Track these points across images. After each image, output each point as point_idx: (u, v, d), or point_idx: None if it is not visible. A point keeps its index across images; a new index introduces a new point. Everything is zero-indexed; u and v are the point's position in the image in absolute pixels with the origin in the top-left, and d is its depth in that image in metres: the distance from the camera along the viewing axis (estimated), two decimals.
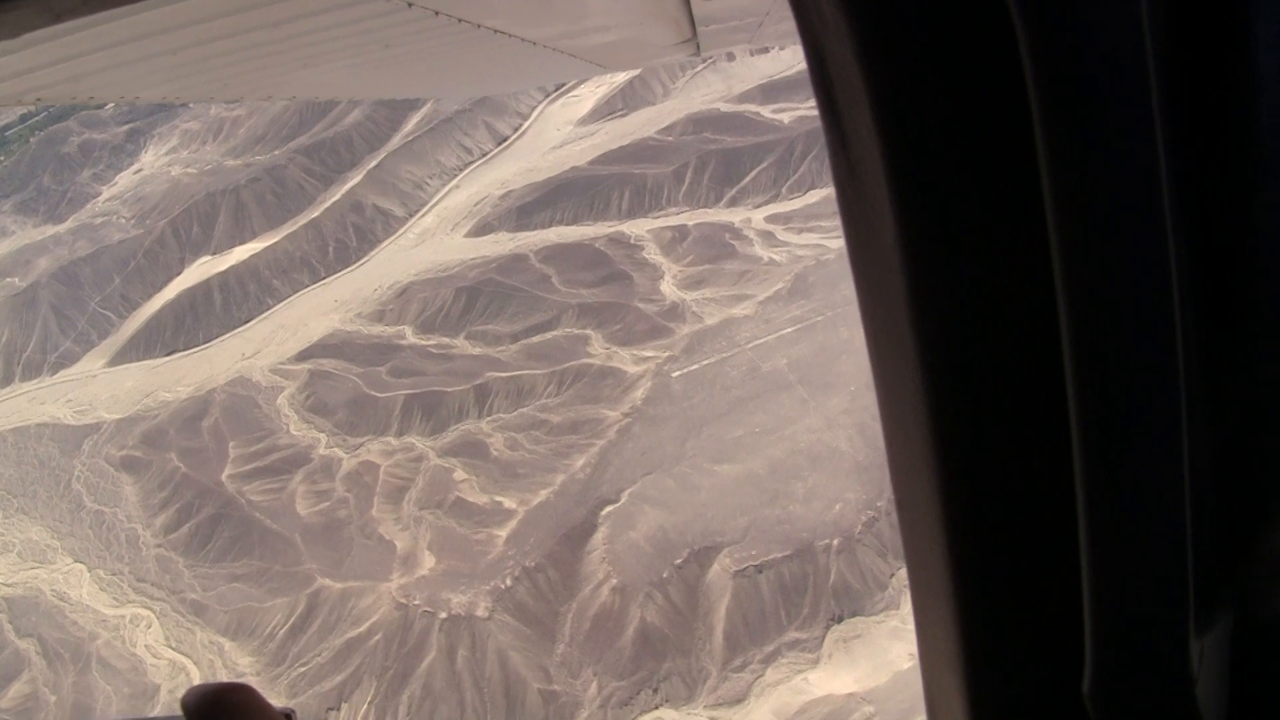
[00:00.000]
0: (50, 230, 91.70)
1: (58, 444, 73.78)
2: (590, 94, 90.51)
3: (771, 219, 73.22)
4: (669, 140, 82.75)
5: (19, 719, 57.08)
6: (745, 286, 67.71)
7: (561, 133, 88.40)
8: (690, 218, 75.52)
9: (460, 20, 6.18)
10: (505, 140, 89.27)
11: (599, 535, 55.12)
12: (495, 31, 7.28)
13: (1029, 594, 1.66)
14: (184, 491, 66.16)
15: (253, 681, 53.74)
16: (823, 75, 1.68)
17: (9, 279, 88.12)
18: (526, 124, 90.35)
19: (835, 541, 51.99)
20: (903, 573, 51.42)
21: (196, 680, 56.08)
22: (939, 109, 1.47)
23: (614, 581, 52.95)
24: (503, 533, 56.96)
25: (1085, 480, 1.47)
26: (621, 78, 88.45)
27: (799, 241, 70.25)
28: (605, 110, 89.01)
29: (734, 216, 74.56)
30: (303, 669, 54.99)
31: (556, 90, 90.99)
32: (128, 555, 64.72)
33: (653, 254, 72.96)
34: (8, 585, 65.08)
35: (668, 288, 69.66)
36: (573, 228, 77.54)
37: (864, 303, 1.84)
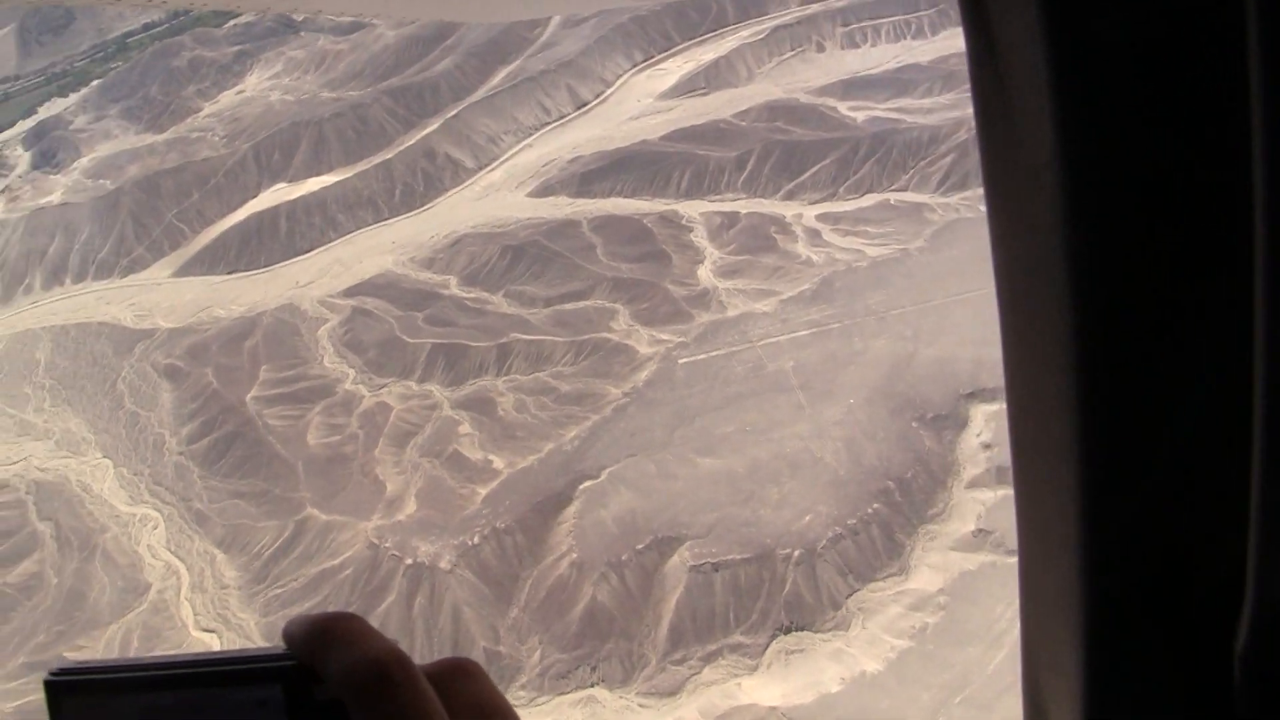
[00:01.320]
0: (149, 139, 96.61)
1: (113, 344, 78.33)
2: (677, 69, 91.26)
3: (822, 217, 73.08)
4: (741, 125, 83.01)
5: (20, 594, 61.50)
6: (774, 282, 67.93)
7: (641, 104, 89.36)
8: (744, 205, 75.78)
9: None
10: (585, 105, 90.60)
11: (572, 508, 56.38)
12: None
13: (1170, 543, 1.56)
14: (211, 406, 69.74)
15: (233, 596, 57.11)
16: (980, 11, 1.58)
17: (102, 180, 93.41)
18: (609, 91, 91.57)
19: (797, 552, 52.18)
20: (859, 596, 51.71)
21: (185, 583, 59.81)
22: (1127, 8, 1.34)
23: (574, 556, 54.23)
24: (484, 491, 58.84)
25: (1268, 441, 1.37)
26: (709, 55, 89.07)
27: (841, 244, 70.08)
28: (687, 87, 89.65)
29: (787, 210, 74.58)
30: (279, 590, 57.81)
31: (645, 61, 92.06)
32: (151, 458, 68.62)
33: (699, 237, 73.62)
34: (40, 470, 69.71)
35: (704, 273, 70.28)
36: (630, 200, 78.59)
37: (998, 231, 1.77)
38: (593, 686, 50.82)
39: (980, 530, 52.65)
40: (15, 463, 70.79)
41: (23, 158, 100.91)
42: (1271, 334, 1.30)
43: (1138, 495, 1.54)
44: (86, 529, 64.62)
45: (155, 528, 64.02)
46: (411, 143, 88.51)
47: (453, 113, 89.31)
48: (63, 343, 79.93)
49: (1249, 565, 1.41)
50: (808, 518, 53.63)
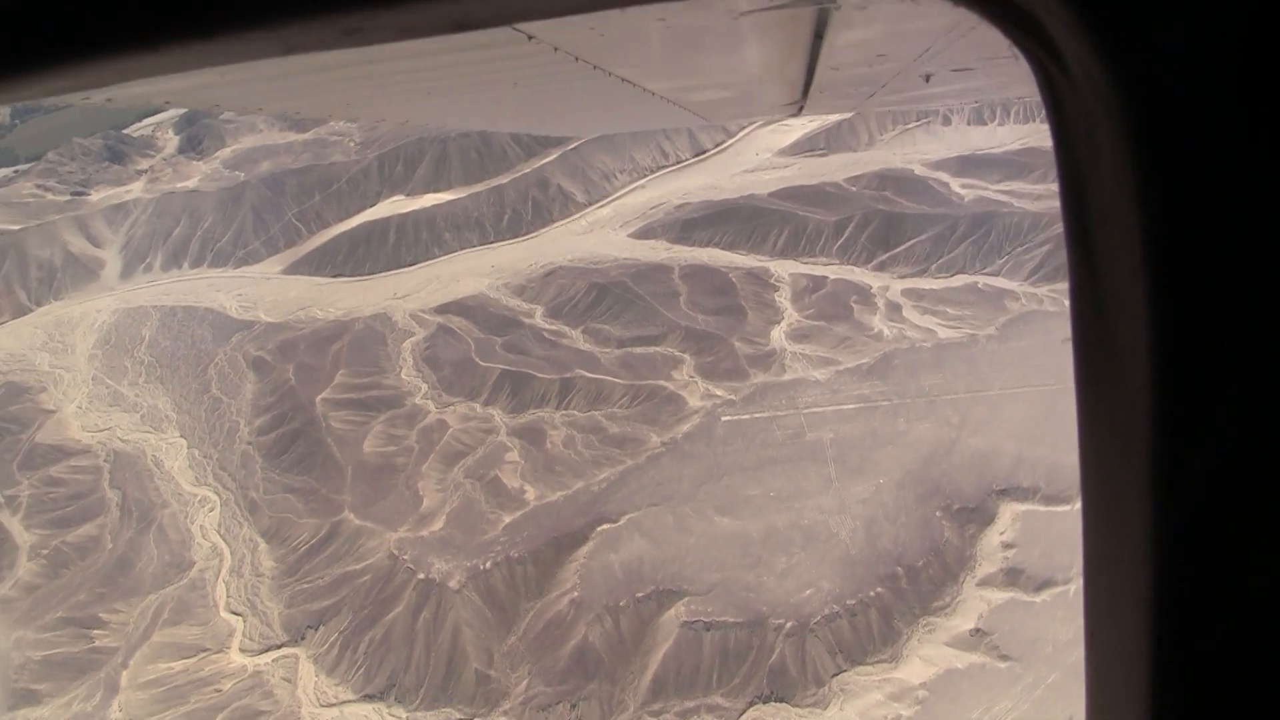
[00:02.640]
0: (291, 137, 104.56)
1: (213, 330, 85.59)
2: (801, 126, 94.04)
3: (907, 293, 75.06)
4: (850, 190, 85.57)
5: (75, 553, 68.36)
6: (839, 351, 70.24)
7: (759, 158, 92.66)
8: (834, 271, 78.36)
9: (595, 68, 6.50)
10: (704, 153, 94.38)
11: (585, 548, 59.69)
12: (621, 80, 7.56)
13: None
14: (285, 402, 75.76)
15: (265, 585, 62.25)
16: (1079, 201, 1.68)
17: (237, 172, 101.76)
18: (730, 142, 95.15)
19: (790, 624, 54.31)
20: (844, 677, 53.61)
21: (226, 566, 65.57)
22: (1239, 268, 1.35)
23: (576, 595, 57.60)
24: (508, 519, 62.80)
25: None
26: (834, 117, 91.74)
27: (916, 322, 71.96)
28: (806, 146, 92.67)
29: (875, 280, 76.84)
30: (305, 585, 62.90)
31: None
32: (222, 444, 74.99)
33: (782, 297, 76.51)
34: (122, 441, 76.92)
35: (777, 334, 73.09)
36: (725, 253, 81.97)
37: (1090, 464, 1.78)
38: None
39: (978, 630, 53.91)
40: (101, 430, 78.21)
41: (172, 141, 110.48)
42: None
43: (1214, 641, 1.53)
44: (149, 502, 71.13)
45: (211, 510, 70.09)
46: (528, 171, 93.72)
47: (573, 146, 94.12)
48: (169, 323, 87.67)
49: None
50: (809, 591, 55.78)
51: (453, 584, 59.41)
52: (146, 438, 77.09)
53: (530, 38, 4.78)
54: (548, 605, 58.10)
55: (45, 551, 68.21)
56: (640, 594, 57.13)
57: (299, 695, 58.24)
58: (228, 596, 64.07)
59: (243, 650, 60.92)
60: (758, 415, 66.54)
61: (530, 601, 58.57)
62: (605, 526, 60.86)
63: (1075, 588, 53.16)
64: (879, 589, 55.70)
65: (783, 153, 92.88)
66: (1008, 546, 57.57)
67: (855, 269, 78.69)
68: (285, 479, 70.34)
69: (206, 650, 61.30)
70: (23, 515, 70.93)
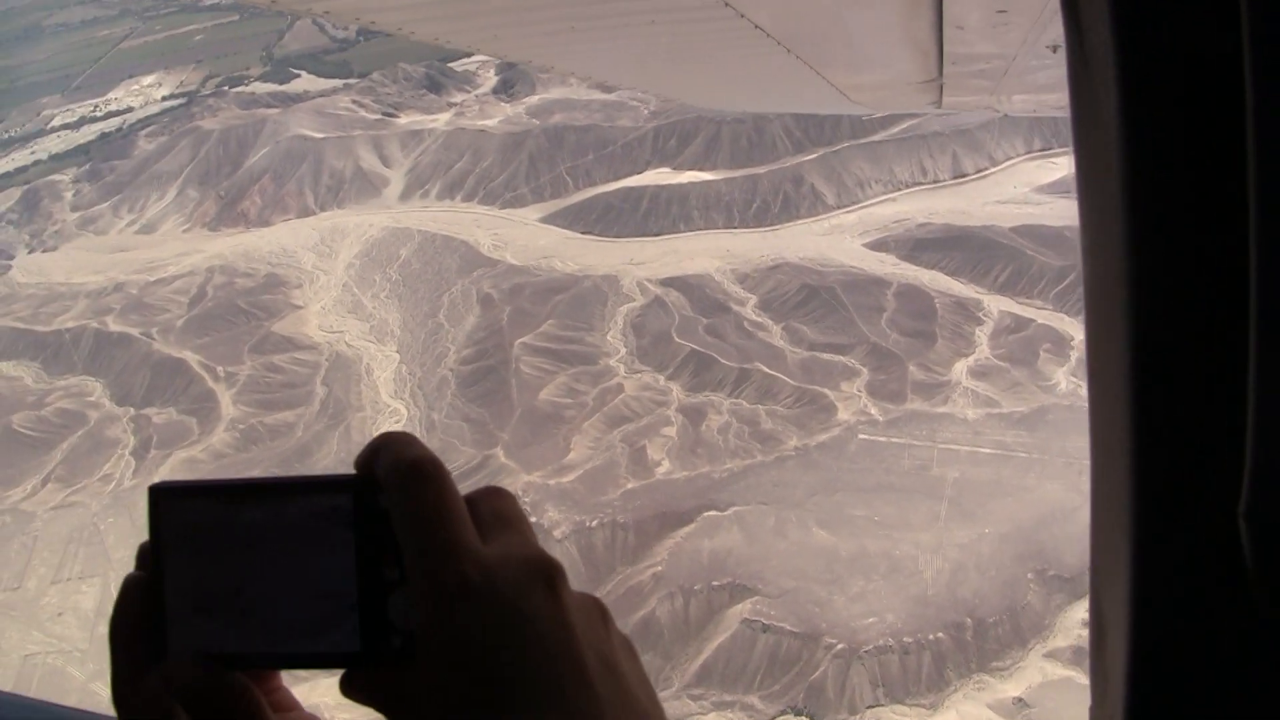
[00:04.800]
0: (594, 96, 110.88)
1: (460, 261, 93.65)
2: (1066, 165, 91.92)
3: None
4: None
5: (267, 434, 78.12)
6: (1005, 395, 69.64)
7: (1014, 191, 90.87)
8: (1043, 316, 76.90)
9: (725, 4, 6.30)
10: (963, 176, 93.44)
11: (686, 529, 63.21)
12: (754, 27, 7.45)
13: (1200, 405, 1.56)
14: (491, 339, 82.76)
15: None
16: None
17: (533, 120, 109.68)
18: (991, 170, 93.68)
19: (840, 645, 56.47)
20: (877, 710, 54.96)
21: None
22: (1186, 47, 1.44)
23: (660, 569, 61.56)
24: (632, 485, 67.22)
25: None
26: None
27: None
28: (1066, 186, 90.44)
29: (1079, 333, 75.07)
30: None
31: (1042, 150, 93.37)
32: (428, 365, 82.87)
33: (982, 331, 76.21)
34: (348, 345, 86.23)
35: (960, 366, 73.23)
36: (946, 278, 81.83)
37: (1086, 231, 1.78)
38: None
39: (1020, 700, 53.93)
40: (334, 332, 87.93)
41: (490, 81, 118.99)
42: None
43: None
44: (348, 404, 79.98)
45: (397, 422, 77.70)
46: (787, 165, 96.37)
47: (836, 149, 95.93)
48: (426, 248, 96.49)
49: (1248, 426, 1.45)
50: (871, 619, 57.23)
51: (557, 533, 64.32)
52: (368, 347, 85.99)
53: None
54: (634, 573, 62.12)
55: (243, 427, 78.23)
56: (716, 583, 60.31)
57: None
58: None
59: None
60: (894, 440, 67.57)
61: (622, 567, 62.75)
62: (711, 513, 64.05)
63: None
64: (940, 634, 56.41)
65: (1041, 189, 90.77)
66: (1088, 625, 56.56)
67: (1065, 317, 76.92)
68: (466, 408, 77.09)
69: None
70: (236, 391, 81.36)
